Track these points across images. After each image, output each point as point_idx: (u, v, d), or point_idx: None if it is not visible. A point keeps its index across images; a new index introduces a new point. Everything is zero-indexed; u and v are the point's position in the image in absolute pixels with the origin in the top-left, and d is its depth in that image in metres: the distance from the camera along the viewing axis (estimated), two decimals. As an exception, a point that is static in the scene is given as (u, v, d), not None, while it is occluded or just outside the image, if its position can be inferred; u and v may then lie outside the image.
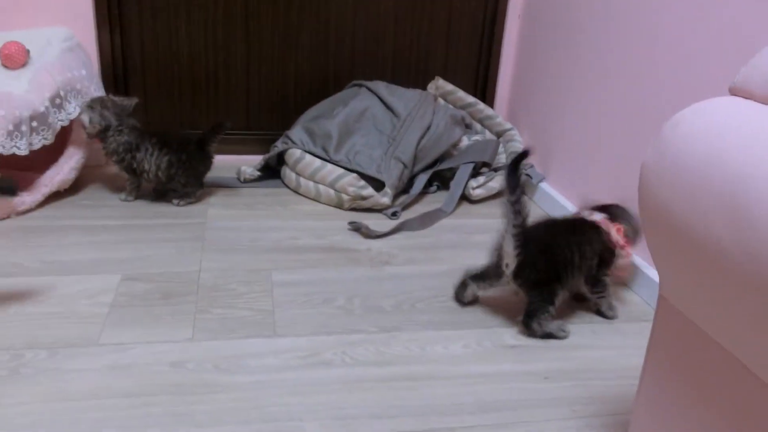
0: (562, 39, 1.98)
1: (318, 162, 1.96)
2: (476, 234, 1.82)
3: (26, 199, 1.77)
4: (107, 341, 1.26)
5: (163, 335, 1.29)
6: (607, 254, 1.40)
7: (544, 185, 2.06)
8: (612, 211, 1.45)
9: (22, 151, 1.67)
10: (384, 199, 1.91)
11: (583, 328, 1.41)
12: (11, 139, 1.65)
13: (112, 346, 1.25)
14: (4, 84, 1.70)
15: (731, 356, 0.73)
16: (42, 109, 1.70)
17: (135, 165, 1.85)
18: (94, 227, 1.73)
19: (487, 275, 1.41)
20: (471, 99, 2.27)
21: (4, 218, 1.73)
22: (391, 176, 1.94)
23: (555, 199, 1.98)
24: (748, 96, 0.73)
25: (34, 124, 1.69)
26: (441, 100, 2.27)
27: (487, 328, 1.38)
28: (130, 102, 1.87)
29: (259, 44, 2.20)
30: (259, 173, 2.09)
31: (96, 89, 1.93)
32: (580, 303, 1.48)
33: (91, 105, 1.81)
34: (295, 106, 2.28)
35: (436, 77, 2.30)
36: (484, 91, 2.39)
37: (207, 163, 1.92)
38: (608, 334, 1.39)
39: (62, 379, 1.14)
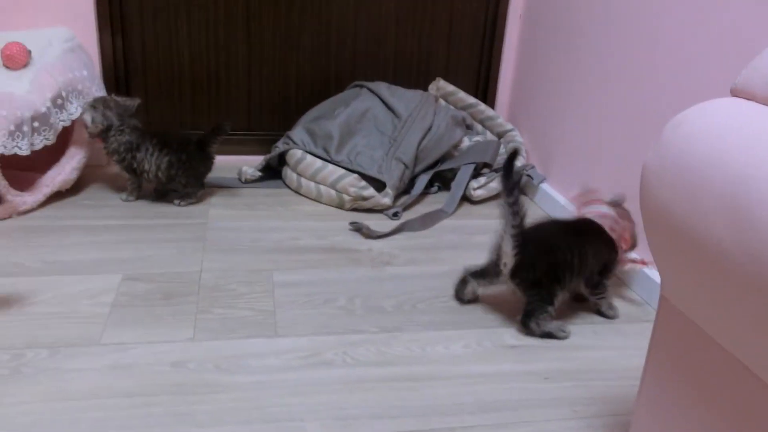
0: (563, 41, 1.98)
1: (319, 162, 1.96)
2: (477, 235, 1.83)
3: (28, 199, 1.77)
4: (108, 341, 1.26)
5: (164, 335, 1.29)
6: (610, 259, 1.40)
7: (545, 186, 2.06)
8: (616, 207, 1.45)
9: (24, 151, 1.67)
10: (385, 199, 1.91)
11: (583, 329, 1.41)
12: (13, 140, 1.65)
13: (113, 345, 1.25)
14: (6, 84, 1.70)
15: (732, 357, 0.73)
16: (43, 109, 1.70)
17: (135, 165, 1.85)
18: (95, 227, 1.73)
19: (486, 273, 1.41)
20: (472, 100, 2.27)
21: (5, 218, 1.74)
22: (392, 177, 1.94)
23: (556, 200, 1.98)
24: (749, 97, 0.73)
25: (36, 124, 1.69)
26: (442, 101, 2.28)
27: (487, 329, 1.38)
28: (133, 102, 1.87)
29: (260, 45, 2.20)
30: (260, 174, 2.09)
31: (97, 90, 1.93)
32: (580, 303, 1.48)
33: (94, 105, 1.82)
34: (296, 107, 2.28)
35: (437, 78, 2.30)
36: (485, 92, 2.39)
37: (208, 163, 1.92)
38: (609, 334, 1.39)
39: (63, 378, 1.15)
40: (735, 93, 0.75)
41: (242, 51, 2.20)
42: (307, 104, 2.21)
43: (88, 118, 1.81)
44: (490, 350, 1.31)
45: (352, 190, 1.90)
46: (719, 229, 0.65)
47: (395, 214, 1.90)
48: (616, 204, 1.46)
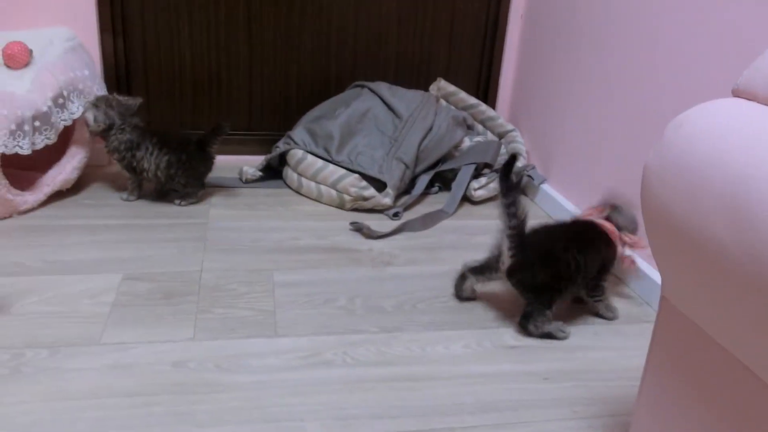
0: (564, 41, 1.98)
1: (320, 162, 1.96)
2: (477, 235, 1.83)
3: (28, 198, 1.77)
4: (109, 341, 1.26)
5: (165, 335, 1.29)
6: (608, 261, 1.40)
7: (545, 186, 2.06)
8: (610, 213, 1.44)
9: (25, 150, 1.67)
10: (386, 199, 1.91)
11: (583, 329, 1.40)
12: (14, 139, 1.65)
13: (113, 345, 1.25)
14: (7, 84, 1.70)
15: (732, 357, 0.73)
16: (45, 108, 1.70)
17: (135, 164, 1.85)
18: (96, 227, 1.73)
19: (486, 268, 1.41)
20: (473, 100, 2.27)
21: (6, 217, 1.74)
22: (393, 177, 1.94)
23: (556, 200, 1.98)
24: (750, 98, 0.73)
25: (37, 123, 1.69)
26: (443, 102, 2.28)
27: (487, 329, 1.38)
28: (135, 102, 1.87)
29: (261, 46, 2.20)
30: (260, 174, 2.10)
31: (98, 89, 1.93)
32: (580, 305, 1.47)
33: (96, 104, 1.82)
34: (297, 107, 2.28)
35: (438, 78, 2.30)
36: (486, 92, 2.39)
37: (208, 163, 1.92)
38: (609, 334, 1.39)
39: (63, 378, 1.15)
40: (736, 93, 0.75)
41: (243, 51, 2.20)
42: (308, 104, 2.21)
43: (90, 116, 1.81)
44: (490, 350, 1.31)
45: (352, 190, 1.90)
46: (720, 229, 0.65)
47: (396, 215, 1.90)
48: (610, 205, 1.46)
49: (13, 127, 1.64)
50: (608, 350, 1.34)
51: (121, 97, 1.85)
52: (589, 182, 1.83)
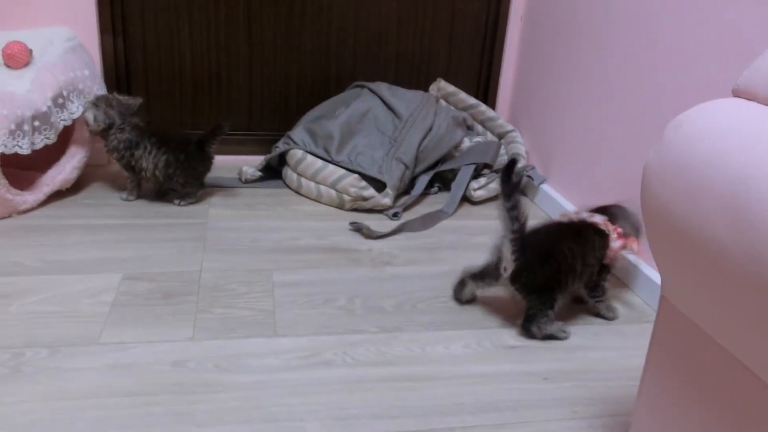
0: (564, 42, 1.98)
1: (319, 162, 1.96)
2: (477, 235, 1.83)
3: (28, 198, 1.77)
4: (108, 340, 1.26)
5: (164, 335, 1.29)
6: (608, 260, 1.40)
7: (545, 187, 2.06)
8: (612, 212, 1.44)
9: (25, 150, 1.67)
10: (385, 199, 1.91)
11: (584, 329, 1.41)
12: (13, 138, 1.65)
13: (113, 345, 1.25)
14: (7, 83, 1.70)
15: (732, 357, 0.73)
16: (44, 108, 1.70)
17: (134, 163, 1.85)
18: (95, 226, 1.73)
19: (486, 274, 1.41)
20: (473, 101, 2.27)
21: (5, 217, 1.74)
22: (393, 177, 1.94)
23: (556, 200, 1.98)
24: (751, 98, 0.73)
25: (37, 123, 1.69)
26: (443, 102, 2.28)
27: (487, 329, 1.38)
28: (135, 101, 1.87)
29: (261, 46, 2.20)
30: (260, 174, 2.09)
31: (98, 89, 1.93)
32: (580, 305, 1.47)
33: (96, 103, 1.82)
34: (296, 108, 2.28)
35: (438, 79, 2.30)
36: (486, 92, 2.39)
37: (207, 163, 1.92)
38: (609, 335, 1.39)
39: (63, 378, 1.15)
40: (736, 94, 0.75)
41: (243, 51, 2.20)
42: (308, 104, 2.21)
43: (90, 116, 1.81)
44: (490, 350, 1.31)
45: (352, 190, 1.90)
46: (720, 229, 0.65)
47: (395, 215, 1.90)
48: (607, 210, 1.46)
49: (13, 126, 1.64)
50: (608, 350, 1.34)
51: (121, 97, 1.85)
52: (589, 182, 1.84)
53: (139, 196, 1.92)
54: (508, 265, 1.32)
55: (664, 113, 1.52)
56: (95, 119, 1.81)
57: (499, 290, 1.40)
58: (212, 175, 1.97)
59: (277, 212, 1.90)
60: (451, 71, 2.36)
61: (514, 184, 1.27)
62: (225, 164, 2.16)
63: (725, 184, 0.65)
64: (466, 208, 2.02)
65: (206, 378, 1.17)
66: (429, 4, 2.26)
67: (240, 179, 2.09)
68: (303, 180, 2.00)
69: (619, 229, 1.41)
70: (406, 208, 1.96)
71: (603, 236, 1.39)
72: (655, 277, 1.50)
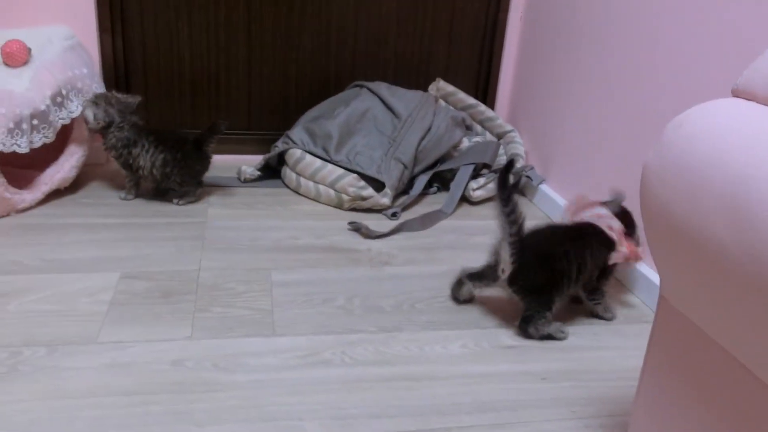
0: (563, 42, 1.98)
1: (318, 162, 1.96)
2: (476, 235, 1.83)
3: (26, 196, 1.77)
4: (106, 339, 1.26)
5: (163, 333, 1.29)
6: (608, 261, 1.39)
7: (544, 187, 2.06)
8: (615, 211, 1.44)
9: (23, 149, 1.67)
10: (384, 199, 1.91)
11: (582, 330, 1.41)
12: (12, 137, 1.65)
13: (111, 344, 1.24)
14: (5, 82, 1.70)
15: (731, 357, 0.73)
16: (43, 107, 1.70)
17: (131, 161, 1.85)
18: (94, 225, 1.72)
19: (484, 275, 1.40)
20: (472, 101, 2.27)
21: (3, 216, 1.73)
22: (391, 177, 1.94)
23: (555, 201, 1.98)
24: (750, 98, 0.73)
25: (35, 122, 1.69)
26: (442, 102, 2.28)
27: (485, 329, 1.38)
28: (134, 100, 1.87)
29: (260, 46, 2.20)
30: (259, 173, 2.09)
31: (97, 88, 1.93)
32: (578, 305, 1.47)
33: (96, 101, 1.82)
34: (296, 107, 2.28)
35: (437, 79, 2.30)
36: (485, 92, 2.39)
37: (204, 163, 1.91)
38: (608, 335, 1.39)
39: (61, 377, 1.14)
40: (736, 94, 0.75)
41: (242, 52, 2.20)
42: (307, 104, 2.21)
43: (89, 114, 1.81)
44: (488, 350, 1.31)
45: (351, 189, 1.90)
46: (720, 229, 0.65)
47: (394, 214, 1.90)
48: (616, 203, 1.45)
49: (11, 125, 1.64)
50: (607, 350, 1.34)
51: (120, 95, 1.85)
52: (588, 183, 1.84)
53: (137, 195, 1.92)
54: (506, 266, 1.32)
55: (663, 113, 1.52)
56: (95, 117, 1.81)
57: (497, 290, 1.40)
58: (211, 174, 1.97)
59: (275, 211, 1.90)
60: (451, 71, 2.36)
61: (510, 187, 1.27)
62: (224, 164, 2.16)
63: (725, 184, 0.65)
64: (465, 208, 2.02)
65: (205, 377, 1.17)
66: (428, 4, 2.26)
67: (239, 178, 2.09)
68: (302, 179, 2.00)
69: (627, 237, 1.40)
70: (405, 207, 1.96)
71: (607, 243, 1.38)
72: (654, 277, 1.50)
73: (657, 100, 1.54)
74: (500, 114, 2.39)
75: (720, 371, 0.75)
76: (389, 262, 1.64)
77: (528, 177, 2.09)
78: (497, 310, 1.45)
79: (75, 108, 1.81)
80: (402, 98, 2.10)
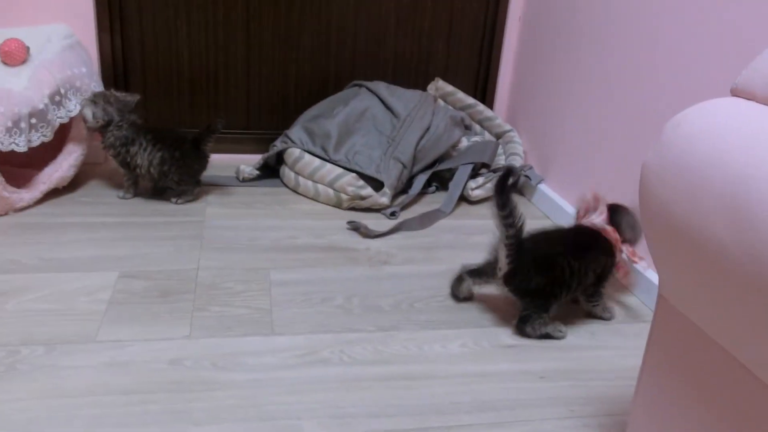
0: (563, 42, 1.98)
1: (317, 161, 1.96)
2: (475, 235, 1.83)
3: (24, 195, 1.77)
4: (105, 338, 1.25)
5: (161, 333, 1.28)
6: (607, 269, 1.39)
7: (542, 187, 2.06)
8: (622, 221, 1.42)
9: (21, 147, 1.67)
10: (383, 199, 1.91)
11: (580, 329, 1.41)
12: (10, 136, 1.64)
13: (109, 343, 1.24)
14: (4, 81, 1.70)
15: (731, 357, 0.73)
16: (41, 106, 1.70)
17: (129, 159, 1.85)
18: (92, 224, 1.72)
19: (483, 272, 1.40)
20: (471, 100, 2.27)
21: (2, 215, 1.73)
22: (390, 176, 1.94)
23: (554, 200, 1.98)
24: (749, 97, 0.73)
25: (33, 121, 1.69)
26: (441, 101, 2.28)
27: (484, 328, 1.38)
28: (133, 98, 1.87)
29: (259, 45, 2.20)
30: (257, 172, 2.09)
31: (96, 87, 1.93)
32: (576, 304, 1.47)
33: (94, 100, 1.81)
34: (295, 107, 2.28)
35: (436, 78, 2.30)
36: (484, 92, 2.39)
37: (202, 161, 1.91)
38: (606, 334, 1.39)
39: (59, 375, 1.14)
40: (735, 93, 0.75)
41: (241, 51, 2.20)
42: (306, 104, 2.21)
43: (88, 113, 1.81)
44: (487, 349, 1.31)
45: (349, 189, 1.90)
46: (719, 229, 0.65)
47: (393, 214, 1.90)
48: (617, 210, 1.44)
49: (10, 124, 1.63)
50: (605, 350, 1.34)
51: (119, 94, 1.85)
52: (587, 182, 1.84)
53: (135, 194, 1.92)
54: (503, 266, 1.32)
55: (663, 113, 1.52)
56: (94, 116, 1.81)
57: (496, 289, 1.40)
58: (209, 173, 1.97)
59: (274, 211, 1.90)
60: (450, 71, 2.36)
61: (508, 193, 1.26)
62: (222, 163, 2.16)
63: (725, 183, 0.65)
64: (464, 207, 2.02)
65: (203, 376, 1.17)
66: (428, 4, 2.26)
67: (237, 178, 2.09)
68: (300, 179, 2.00)
69: (624, 247, 1.39)
70: (404, 207, 1.96)
71: (609, 252, 1.37)
72: (654, 278, 1.50)
73: (656, 100, 1.54)
74: (499, 114, 2.39)
75: (719, 371, 0.75)
76: (388, 261, 1.64)
77: (527, 176, 2.09)
78: (496, 310, 1.45)
79: (73, 107, 1.81)
80: (401, 98, 2.10)
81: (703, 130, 0.72)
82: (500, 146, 2.20)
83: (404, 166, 1.98)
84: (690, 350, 0.80)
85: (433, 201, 2.04)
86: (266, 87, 2.25)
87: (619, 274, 1.45)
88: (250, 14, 2.16)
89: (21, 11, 1.95)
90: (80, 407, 1.07)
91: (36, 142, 1.71)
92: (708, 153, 0.69)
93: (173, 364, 1.19)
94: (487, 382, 1.21)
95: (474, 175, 2.09)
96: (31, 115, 1.68)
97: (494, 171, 2.10)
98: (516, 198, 1.28)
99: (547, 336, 1.35)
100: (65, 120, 1.79)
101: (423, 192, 2.08)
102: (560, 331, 1.36)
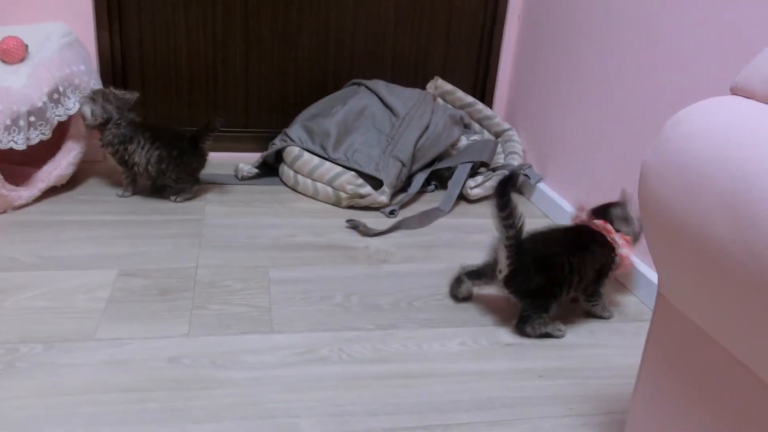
0: (562, 40, 1.98)
1: (316, 160, 1.96)
2: (474, 233, 1.83)
3: (23, 193, 1.77)
4: (104, 336, 1.25)
5: (160, 331, 1.28)
6: (606, 268, 1.39)
7: (542, 185, 2.06)
8: (612, 213, 1.42)
9: (20, 145, 1.67)
10: (382, 197, 1.91)
11: (579, 327, 1.41)
12: (8, 134, 1.64)
13: (108, 341, 1.24)
14: (3, 79, 1.69)
15: (730, 355, 0.73)
16: (40, 104, 1.70)
17: (127, 157, 1.85)
18: (91, 222, 1.72)
19: (483, 273, 1.40)
20: (470, 99, 2.27)
21: (0, 213, 1.73)
22: (389, 175, 1.94)
23: (553, 199, 1.98)
24: (749, 95, 0.73)
25: (32, 119, 1.68)
26: (440, 100, 2.28)
27: (483, 326, 1.38)
28: (132, 96, 1.86)
29: (258, 43, 2.20)
30: (257, 171, 2.09)
31: (95, 85, 1.92)
32: (575, 303, 1.47)
33: (93, 97, 1.81)
34: (294, 105, 2.27)
35: (436, 77, 2.30)
36: (483, 91, 2.39)
37: (200, 160, 1.91)
38: (605, 333, 1.39)
39: (58, 373, 1.14)
40: (735, 92, 0.75)
41: (240, 49, 2.19)
42: (305, 103, 2.21)
43: (87, 110, 1.81)
44: (486, 348, 1.31)
45: (349, 187, 1.90)
46: (719, 227, 0.65)
47: (392, 212, 1.90)
48: (608, 211, 1.44)
49: (8, 122, 1.63)
50: (604, 348, 1.34)
51: (117, 91, 1.85)
52: (586, 181, 1.84)
53: (134, 193, 1.92)
54: (503, 268, 1.32)
55: (663, 112, 1.52)
56: (92, 114, 1.81)
57: (496, 288, 1.40)
58: (208, 171, 1.96)
59: (273, 209, 1.90)
60: (449, 70, 2.36)
61: (508, 195, 1.26)
62: (221, 161, 2.16)
63: (725, 182, 0.65)
64: (463, 206, 2.02)
65: (202, 374, 1.17)
66: (427, 3, 2.26)
67: (236, 176, 2.09)
68: (300, 177, 2.00)
69: (625, 238, 1.39)
70: (403, 205, 1.96)
71: (607, 248, 1.37)
72: (653, 276, 1.50)
73: (656, 100, 1.54)
74: (498, 112, 2.39)
75: (718, 369, 0.75)
76: (387, 259, 1.64)
77: (526, 175, 2.09)
78: (495, 308, 1.45)
79: (72, 105, 1.81)
80: (400, 96, 2.10)
81: (702, 129, 0.72)
82: (499, 145, 2.20)
83: (403, 165, 1.98)
84: (689, 349, 0.80)
85: (432, 200, 2.04)
86: (265, 85, 2.25)
87: (622, 267, 1.43)
88: (248, 12, 2.16)
89: (20, 9, 1.95)
90: (79, 405, 1.07)
91: (35, 140, 1.71)
92: (708, 151, 0.69)
93: (172, 362, 1.19)
94: (486, 380, 1.21)
95: (473, 173, 2.09)
96: (29, 113, 1.67)
97: (493, 170, 2.10)
98: (516, 198, 1.27)
99: (547, 335, 1.35)
100: (64, 118, 1.79)
101: (422, 191, 2.08)
102: (559, 330, 1.36)
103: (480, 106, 2.27)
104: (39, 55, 1.80)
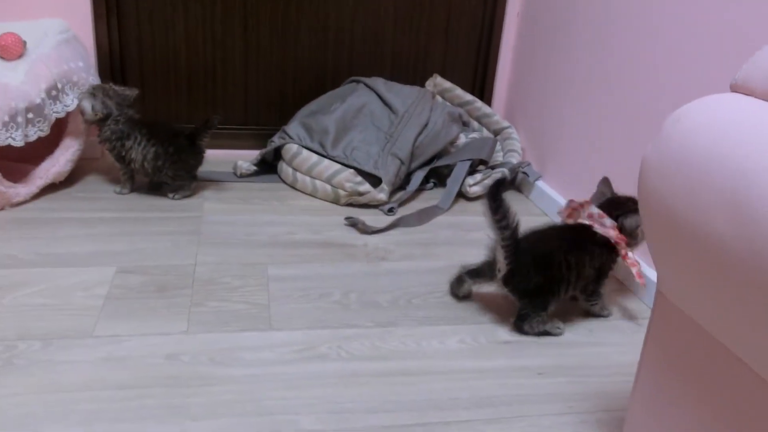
0: (561, 38, 1.98)
1: (315, 157, 1.95)
2: (472, 231, 1.82)
3: (21, 190, 1.76)
4: (102, 333, 1.25)
5: (158, 328, 1.28)
6: (606, 267, 1.39)
7: (540, 183, 2.06)
8: (616, 211, 1.41)
9: (18, 142, 1.66)
10: (380, 195, 1.91)
11: (579, 326, 1.41)
12: (6, 130, 1.64)
13: (106, 338, 1.24)
14: (1, 75, 1.69)
15: (729, 353, 0.73)
16: (38, 100, 1.69)
17: (124, 153, 1.84)
18: (89, 219, 1.72)
19: (483, 272, 1.40)
20: (469, 97, 2.27)
21: (-2, 209, 1.73)
22: (388, 172, 1.94)
23: (551, 197, 1.98)
24: (749, 93, 0.73)
25: (30, 115, 1.68)
26: (439, 98, 2.27)
27: (482, 324, 1.38)
28: (131, 92, 1.86)
29: (257, 41, 2.20)
30: (255, 168, 2.09)
31: (93, 81, 1.92)
32: (574, 301, 1.47)
33: (93, 92, 1.81)
34: (292, 102, 2.27)
35: (435, 75, 2.30)
36: (482, 89, 2.39)
37: (198, 157, 1.91)
38: (604, 331, 1.40)
39: (56, 370, 1.14)
40: (735, 89, 0.75)
41: (239, 46, 2.19)
42: (304, 99, 2.20)
43: (87, 105, 1.80)
44: (485, 346, 1.31)
45: (347, 185, 1.89)
46: (719, 224, 0.65)
47: (390, 210, 1.90)
48: (602, 192, 1.43)
49: (6, 118, 1.63)
50: (603, 346, 1.34)
51: (117, 87, 1.85)
52: (585, 179, 1.84)
53: (132, 189, 1.91)
54: (502, 267, 1.32)
55: (662, 111, 1.52)
56: (93, 109, 1.80)
57: (495, 288, 1.40)
58: (207, 168, 1.96)
59: (272, 206, 1.89)
60: (448, 67, 2.36)
61: (500, 197, 1.25)
62: (220, 158, 2.15)
63: (725, 178, 0.65)
64: (462, 204, 2.02)
65: (200, 371, 1.16)
66: (426, 1, 2.26)
67: (235, 173, 2.08)
68: (298, 175, 1.99)
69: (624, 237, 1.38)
70: (402, 203, 1.96)
71: (607, 247, 1.37)
72: (651, 273, 1.50)
73: (656, 99, 1.54)
74: (497, 110, 2.39)
75: (717, 367, 0.75)
76: (386, 257, 1.64)
77: (524, 173, 2.09)
78: (494, 306, 1.45)
79: (70, 101, 1.80)
80: (399, 94, 2.10)
81: (702, 125, 0.71)
82: (498, 143, 2.20)
83: (402, 162, 1.98)
84: (688, 346, 0.80)
85: (431, 197, 2.03)
86: (264, 83, 2.25)
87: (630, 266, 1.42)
88: (247, 10, 2.15)
89: (17, 5, 1.94)
90: (77, 402, 1.07)
91: (33, 137, 1.70)
92: (708, 148, 0.69)
93: (170, 359, 1.19)
94: (484, 378, 1.21)
95: (472, 171, 2.09)
96: (27, 110, 1.67)
97: (492, 168, 2.10)
98: (509, 199, 1.27)
99: (546, 333, 1.35)
100: (62, 114, 1.78)
101: (421, 188, 2.08)
102: (558, 328, 1.36)
103: (479, 103, 2.27)
104: (37, 51, 1.79)
